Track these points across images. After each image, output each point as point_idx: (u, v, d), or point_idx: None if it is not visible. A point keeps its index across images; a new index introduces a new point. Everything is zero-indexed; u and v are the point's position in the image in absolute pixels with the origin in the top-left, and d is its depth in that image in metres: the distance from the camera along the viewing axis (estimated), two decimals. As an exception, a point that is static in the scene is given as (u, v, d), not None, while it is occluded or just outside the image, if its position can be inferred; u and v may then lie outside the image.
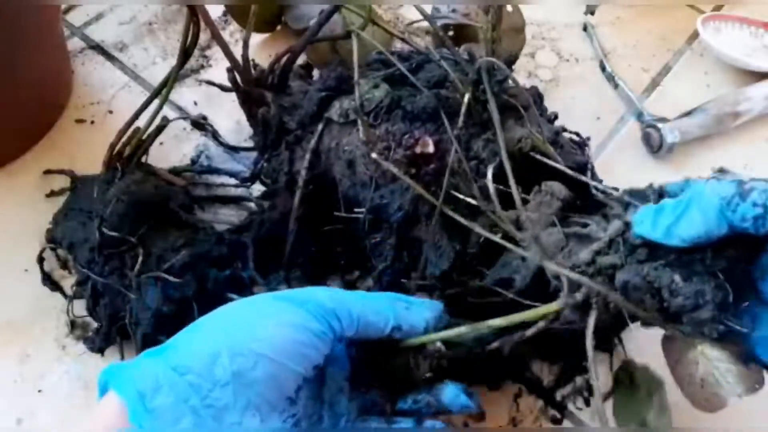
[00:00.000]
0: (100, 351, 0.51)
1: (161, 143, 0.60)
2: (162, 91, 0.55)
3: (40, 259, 0.55)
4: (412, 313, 0.39)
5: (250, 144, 0.61)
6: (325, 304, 0.37)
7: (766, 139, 0.67)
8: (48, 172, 0.60)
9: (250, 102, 0.53)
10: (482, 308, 0.43)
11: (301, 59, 0.54)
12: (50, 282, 0.54)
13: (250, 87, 0.52)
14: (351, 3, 0.54)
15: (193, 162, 0.62)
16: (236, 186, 0.60)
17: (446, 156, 0.43)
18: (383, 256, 0.47)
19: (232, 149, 0.63)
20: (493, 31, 0.43)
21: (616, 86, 0.70)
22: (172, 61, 0.54)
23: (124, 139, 0.54)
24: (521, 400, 0.51)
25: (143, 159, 0.56)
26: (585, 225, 0.38)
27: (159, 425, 0.31)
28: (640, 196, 0.37)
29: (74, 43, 0.72)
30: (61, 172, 0.59)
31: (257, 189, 0.59)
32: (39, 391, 0.50)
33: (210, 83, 0.61)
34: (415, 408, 0.40)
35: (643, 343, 0.54)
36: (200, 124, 0.64)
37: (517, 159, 0.44)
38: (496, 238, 0.40)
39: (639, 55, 0.74)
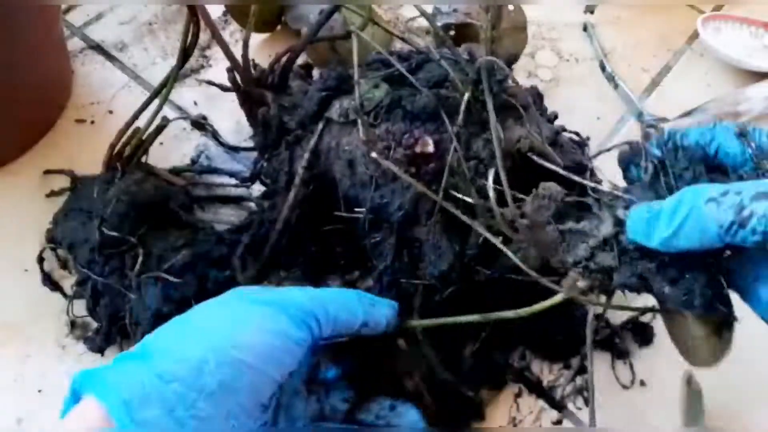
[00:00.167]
0: (100, 351, 0.51)
1: (161, 143, 0.60)
2: (162, 91, 0.55)
3: (40, 259, 0.55)
4: (376, 310, 0.40)
5: (250, 144, 0.61)
6: (304, 306, 0.37)
7: (766, 139, 0.67)
8: (48, 172, 0.60)
9: (250, 102, 0.53)
10: (483, 304, 0.43)
11: (301, 59, 0.54)
12: (50, 282, 0.54)
13: (250, 87, 0.52)
14: (351, 3, 0.54)
15: (193, 162, 0.62)
16: (236, 186, 0.60)
17: (446, 155, 0.43)
18: (383, 256, 0.47)
19: (232, 149, 0.63)
20: (492, 31, 0.43)
21: (616, 86, 0.70)
22: (172, 61, 0.54)
23: (124, 139, 0.54)
24: (521, 400, 0.51)
25: (143, 159, 0.56)
26: (579, 219, 0.38)
27: None
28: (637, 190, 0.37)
29: (74, 43, 0.72)
30: (61, 172, 0.59)
31: (257, 189, 0.59)
32: (39, 391, 0.50)
33: (210, 83, 0.61)
34: (374, 422, 0.41)
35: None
36: (200, 124, 0.64)
37: (516, 158, 0.44)
38: (497, 241, 0.40)
39: (639, 55, 0.74)
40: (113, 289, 0.49)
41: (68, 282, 0.55)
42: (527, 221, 0.39)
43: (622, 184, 0.40)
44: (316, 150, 0.48)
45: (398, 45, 0.64)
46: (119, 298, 0.49)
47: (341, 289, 0.42)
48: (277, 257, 0.49)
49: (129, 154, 0.55)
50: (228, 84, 0.53)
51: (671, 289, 0.34)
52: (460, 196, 0.43)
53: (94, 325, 0.52)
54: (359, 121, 0.45)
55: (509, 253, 0.39)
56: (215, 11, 0.73)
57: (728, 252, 0.33)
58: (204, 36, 0.58)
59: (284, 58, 0.52)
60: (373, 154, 0.44)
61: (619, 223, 0.36)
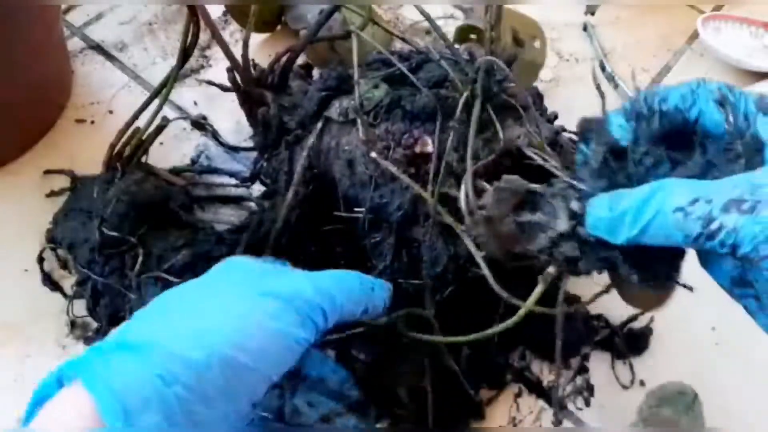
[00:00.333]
0: (100, 351, 0.51)
1: (161, 143, 0.60)
2: (162, 91, 0.55)
3: (40, 259, 0.55)
4: (375, 294, 0.39)
5: (250, 144, 0.61)
6: (312, 300, 0.35)
7: (766, 139, 0.67)
8: (48, 172, 0.60)
9: (250, 102, 0.53)
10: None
11: (301, 59, 0.54)
12: (50, 282, 0.54)
13: (250, 87, 0.52)
14: (351, 3, 0.54)
15: (193, 162, 0.62)
16: (236, 186, 0.60)
17: (450, 158, 0.43)
18: (383, 256, 0.47)
19: (232, 149, 0.63)
20: (492, 31, 0.43)
21: (616, 86, 0.70)
22: (172, 61, 0.54)
23: (124, 139, 0.54)
24: (521, 400, 0.51)
25: (143, 159, 0.56)
26: (535, 209, 0.37)
27: None
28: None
29: (74, 43, 0.72)
30: (61, 172, 0.59)
31: (257, 189, 0.59)
32: (39, 391, 0.50)
33: (210, 83, 0.61)
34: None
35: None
36: (200, 124, 0.64)
37: (515, 158, 0.44)
38: (471, 245, 0.40)
39: (639, 55, 0.74)
40: (113, 289, 0.49)
41: (68, 282, 0.55)
42: (485, 213, 0.37)
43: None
44: (316, 150, 0.48)
45: (398, 45, 0.64)
46: (119, 298, 0.49)
47: (344, 274, 0.39)
48: (277, 257, 0.49)
49: (129, 154, 0.55)
50: (228, 84, 0.53)
51: (639, 275, 0.33)
52: (453, 195, 0.42)
53: (94, 325, 0.52)
54: (359, 120, 0.45)
55: (471, 247, 0.39)
56: (215, 11, 0.73)
57: None
58: (204, 36, 0.58)
59: (284, 58, 0.52)
60: (373, 154, 0.44)
61: (574, 216, 0.34)
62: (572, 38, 0.75)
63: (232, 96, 0.55)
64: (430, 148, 0.43)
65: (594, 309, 0.54)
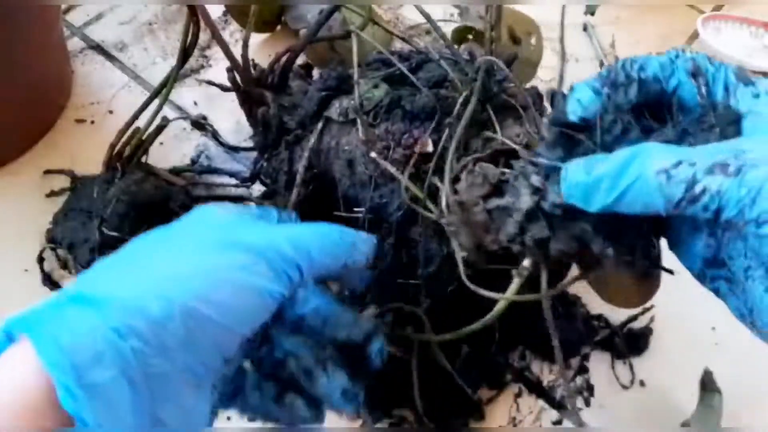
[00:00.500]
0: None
1: (161, 143, 0.60)
2: (162, 91, 0.55)
3: (40, 259, 0.55)
4: (357, 249, 0.37)
5: (250, 144, 0.61)
6: (286, 254, 0.32)
7: (766, 139, 0.67)
8: (48, 172, 0.60)
9: (250, 102, 0.53)
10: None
11: (301, 59, 0.54)
12: (50, 282, 0.54)
13: (250, 87, 0.52)
14: (351, 3, 0.55)
15: (193, 162, 0.62)
16: (236, 186, 0.60)
17: (446, 155, 0.43)
18: (383, 256, 0.47)
19: (232, 149, 0.63)
20: (492, 31, 0.43)
21: (616, 86, 0.70)
22: (172, 61, 0.55)
23: (124, 139, 0.54)
24: (521, 400, 0.51)
25: (143, 159, 0.56)
26: (502, 194, 0.36)
27: (96, 406, 0.25)
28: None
29: (74, 43, 0.72)
30: (61, 172, 0.59)
31: (257, 189, 0.59)
32: (39, 390, 0.50)
33: (210, 83, 0.61)
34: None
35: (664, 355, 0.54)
36: (200, 124, 0.64)
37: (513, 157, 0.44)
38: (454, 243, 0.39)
39: (639, 55, 0.74)
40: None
41: (68, 282, 0.55)
42: (457, 198, 0.37)
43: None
44: (316, 150, 0.48)
45: (398, 45, 0.64)
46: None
47: (324, 227, 0.37)
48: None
49: (129, 154, 0.55)
50: (228, 84, 0.53)
51: (612, 252, 0.32)
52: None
53: (94, 325, 0.52)
54: (359, 120, 0.45)
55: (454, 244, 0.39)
56: (215, 11, 0.73)
57: None
58: (204, 36, 0.58)
59: (284, 58, 0.52)
60: (372, 154, 0.44)
61: (536, 191, 0.33)
62: (572, 38, 0.75)
63: (232, 96, 0.55)
64: (429, 148, 0.43)
65: (594, 309, 0.54)
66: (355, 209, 0.47)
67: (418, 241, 0.45)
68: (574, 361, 0.53)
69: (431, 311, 0.44)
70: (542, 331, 0.50)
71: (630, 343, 0.53)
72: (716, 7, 0.78)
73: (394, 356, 0.43)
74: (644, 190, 0.28)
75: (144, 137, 0.54)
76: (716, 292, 0.32)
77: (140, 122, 0.55)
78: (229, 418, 0.45)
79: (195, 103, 0.67)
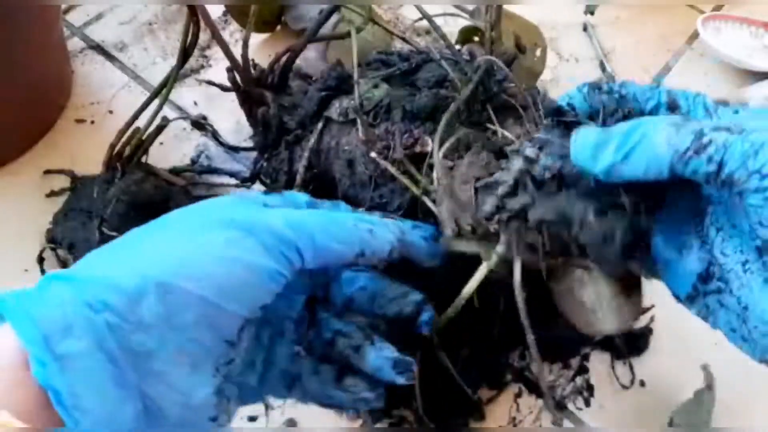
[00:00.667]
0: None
1: (161, 143, 0.60)
2: (162, 91, 0.55)
3: (40, 259, 0.55)
4: (376, 237, 0.34)
5: (250, 144, 0.61)
6: (282, 234, 0.31)
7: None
8: (48, 172, 0.60)
9: (250, 102, 0.53)
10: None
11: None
12: (50, 282, 0.54)
13: (250, 87, 0.52)
14: (351, 3, 0.54)
15: (193, 162, 0.62)
16: (236, 186, 0.60)
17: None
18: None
19: (232, 149, 0.63)
20: (491, 31, 0.43)
21: (616, 86, 0.70)
22: (172, 61, 0.54)
23: (124, 139, 0.54)
24: (521, 400, 0.51)
25: (143, 159, 0.56)
26: (493, 173, 0.36)
27: (69, 378, 0.25)
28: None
29: (74, 43, 0.72)
30: (61, 172, 0.59)
31: (257, 189, 0.59)
32: (39, 390, 0.50)
33: (210, 83, 0.61)
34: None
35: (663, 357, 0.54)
36: (200, 124, 0.64)
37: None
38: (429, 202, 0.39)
39: (639, 55, 0.74)
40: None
41: (68, 282, 0.55)
42: (448, 164, 0.36)
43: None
44: (316, 149, 0.48)
45: (398, 45, 0.64)
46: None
47: (335, 214, 0.35)
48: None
49: (129, 154, 0.55)
50: (228, 84, 0.53)
51: (594, 221, 0.31)
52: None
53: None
54: (359, 120, 0.45)
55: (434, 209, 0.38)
56: (215, 11, 0.73)
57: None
58: (204, 36, 0.58)
59: (284, 58, 0.52)
60: (372, 154, 0.44)
61: (529, 161, 0.33)
62: (572, 38, 0.75)
63: (232, 96, 0.55)
64: (429, 148, 0.43)
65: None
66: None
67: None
68: (574, 361, 0.53)
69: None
70: (542, 331, 0.51)
71: (630, 343, 0.53)
72: (716, 7, 0.78)
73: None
74: (652, 142, 0.29)
75: (144, 137, 0.54)
76: (705, 310, 0.32)
77: (140, 122, 0.55)
78: (253, 419, 0.45)
79: (195, 103, 0.67)
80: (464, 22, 0.63)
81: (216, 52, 0.71)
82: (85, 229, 0.51)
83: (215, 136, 0.63)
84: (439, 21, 0.51)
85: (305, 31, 0.51)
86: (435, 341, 0.43)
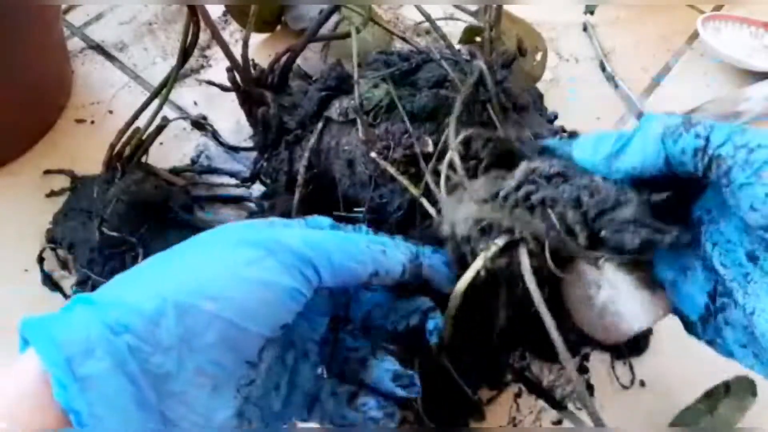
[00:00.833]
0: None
1: (161, 143, 0.60)
2: (162, 91, 0.55)
3: (40, 259, 0.55)
4: (388, 257, 0.35)
5: (250, 144, 0.61)
6: (300, 252, 0.31)
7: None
8: (48, 172, 0.60)
9: (250, 102, 0.53)
10: None
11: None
12: (50, 282, 0.54)
13: (250, 87, 0.52)
14: (351, 3, 0.54)
15: (193, 162, 0.62)
16: (236, 186, 0.60)
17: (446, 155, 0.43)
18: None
19: (232, 149, 0.63)
20: (491, 31, 0.43)
21: (616, 86, 0.70)
22: (172, 61, 0.54)
23: (124, 139, 0.54)
24: (521, 400, 0.51)
25: (143, 159, 0.56)
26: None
27: (90, 398, 0.25)
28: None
29: (74, 43, 0.72)
30: (61, 172, 0.59)
31: (257, 189, 0.59)
32: (39, 391, 0.50)
33: (210, 83, 0.61)
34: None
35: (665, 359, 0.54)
36: (200, 124, 0.64)
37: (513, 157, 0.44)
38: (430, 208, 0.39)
39: (639, 55, 0.74)
40: (113, 289, 0.49)
41: (68, 282, 0.55)
42: (458, 181, 0.36)
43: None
44: (316, 149, 0.48)
45: (398, 45, 0.64)
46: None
47: (348, 234, 0.35)
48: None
49: (129, 154, 0.55)
50: (228, 84, 0.53)
51: (603, 183, 0.30)
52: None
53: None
54: (359, 120, 0.45)
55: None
56: (215, 11, 0.73)
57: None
58: (204, 36, 0.58)
59: (284, 58, 0.52)
60: (372, 154, 0.44)
61: (532, 170, 0.33)
62: (572, 38, 0.75)
63: (232, 96, 0.55)
64: (430, 148, 0.43)
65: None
66: (355, 209, 0.47)
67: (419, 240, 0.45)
68: (574, 361, 0.53)
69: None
70: (543, 332, 0.51)
71: (630, 343, 0.53)
72: (716, 7, 0.78)
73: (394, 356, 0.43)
74: (646, 129, 0.30)
75: (144, 137, 0.54)
76: (714, 332, 0.32)
77: (140, 122, 0.55)
78: None
79: (195, 103, 0.67)
80: (464, 22, 0.63)
81: (216, 52, 0.71)
82: (85, 229, 0.51)
83: (215, 136, 0.63)
84: (439, 21, 0.51)
85: (305, 31, 0.51)
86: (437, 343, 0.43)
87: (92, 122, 0.65)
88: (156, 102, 0.54)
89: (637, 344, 0.54)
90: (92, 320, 0.27)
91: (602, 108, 0.69)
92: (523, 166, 0.34)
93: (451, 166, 0.38)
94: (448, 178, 0.38)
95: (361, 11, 0.52)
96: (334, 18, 0.59)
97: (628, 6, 0.78)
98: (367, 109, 0.46)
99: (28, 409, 0.26)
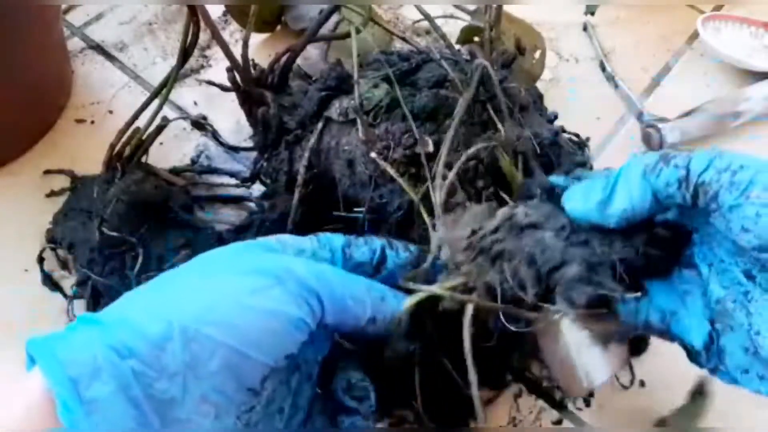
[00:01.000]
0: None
1: (161, 143, 0.59)
2: (162, 91, 0.55)
3: (40, 259, 0.55)
4: (386, 305, 0.34)
5: (250, 144, 0.61)
6: (307, 282, 0.31)
7: (767, 139, 0.67)
8: (48, 172, 0.60)
9: (250, 102, 0.53)
10: None
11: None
12: (50, 282, 0.54)
13: (250, 87, 0.52)
14: (351, 3, 0.54)
15: (193, 162, 0.62)
16: (236, 186, 0.60)
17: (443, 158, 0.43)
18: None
19: (232, 149, 0.63)
20: (491, 31, 0.43)
21: (616, 86, 0.70)
22: (172, 61, 0.54)
23: (124, 139, 0.54)
24: (521, 400, 0.51)
25: (143, 159, 0.56)
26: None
27: (95, 421, 0.26)
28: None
29: (74, 43, 0.72)
30: (61, 172, 0.59)
31: (257, 189, 0.59)
32: (39, 391, 0.50)
33: (210, 83, 0.61)
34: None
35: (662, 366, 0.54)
36: (200, 124, 0.64)
37: (516, 158, 0.44)
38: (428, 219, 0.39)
39: (639, 55, 0.74)
40: (113, 289, 0.49)
41: (68, 282, 0.55)
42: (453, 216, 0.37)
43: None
44: (316, 149, 0.48)
45: (398, 45, 0.64)
46: (119, 298, 0.49)
47: (351, 274, 0.35)
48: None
49: (129, 154, 0.55)
50: (228, 84, 0.53)
51: (553, 240, 0.31)
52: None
53: (94, 325, 0.52)
54: (359, 120, 0.45)
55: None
56: (215, 11, 0.73)
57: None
58: (204, 36, 0.58)
59: (284, 58, 0.52)
60: (372, 154, 0.44)
61: (513, 212, 0.34)
62: (572, 38, 0.75)
63: (232, 96, 0.55)
64: (430, 148, 0.43)
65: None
66: (355, 209, 0.47)
67: (417, 242, 0.45)
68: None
69: (432, 311, 0.44)
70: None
71: (630, 343, 0.53)
72: (716, 7, 0.78)
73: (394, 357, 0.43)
74: (628, 171, 0.30)
75: (144, 137, 0.54)
76: (717, 359, 0.31)
77: (140, 122, 0.55)
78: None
79: (195, 103, 0.67)
80: (464, 21, 0.63)
81: (216, 52, 0.71)
82: (85, 229, 0.51)
83: (215, 136, 0.63)
84: (439, 21, 0.51)
85: (305, 31, 0.51)
86: (435, 341, 0.43)
87: (92, 122, 0.65)
88: (156, 102, 0.54)
89: (637, 344, 0.54)
90: (98, 342, 0.27)
91: (602, 108, 0.69)
92: (501, 212, 0.35)
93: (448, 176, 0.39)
94: (453, 191, 0.38)
95: (361, 11, 0.52)
96: (334, 18, 0.59)
97: (628, 6, 0.78)
98: (367, 109, 0.46)
99: (32, 426, 0.26)
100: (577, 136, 0.57)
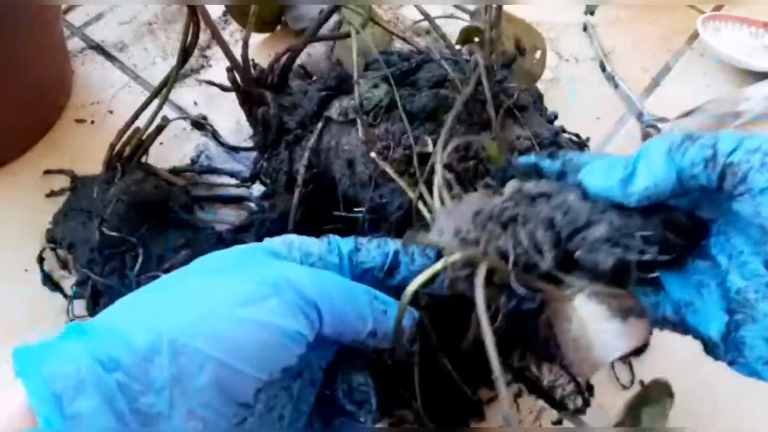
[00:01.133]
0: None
1: (161, 143, 0.60)
2: (162, 91, 0.55)
3: (40, 259, 0.55)
4: (389, 318, 0.33)
5: (250, 144, 0.61)
6: (305, 293, 0.30)
7: (766, 139, 0.67)
8: (48, 172, 0.60)
9: (250, 102, 0.53)
10: None
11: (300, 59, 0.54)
12: (50, 282, 0.54)
13: (250, 87, 0.52)
14: (351, 3, 0.55)
15: (193, 162, 0.62)
16: (236, 186, 0.60)
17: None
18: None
19: (232, 149, 0.63)
20: (491, 31, 0.43)
21: (616, 86, 0.70)
22: (172, 61, 0.54)
23: (124, 139, 0.54)
24: (521, 400, 0.51)
25: (143, 159, 0.56)
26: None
27: None
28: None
29: (74, 43, 0.72)
30: (61, 172, 0.59)
31: (257, 189, 0.59)
32: (39, 391, 0.50)
33: (210, 83, 0.61)
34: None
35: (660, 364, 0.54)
36: (200, 124, 0.64)
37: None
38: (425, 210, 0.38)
39: (639, 55, 0.74)
40: (113, 289, 0.49)
41: (68, 282, 0.55)
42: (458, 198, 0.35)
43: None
44: (316, 149, 0.48)
45: (398, 45, 0.64)
46: (119, 298, 0.49)
47: (353, 284, 0.33)
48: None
49: (129, 154, 0.55)
50: (228, 84, 0.53)
51: (577, 202, 0.29)
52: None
53: (94, 325, 0.52)
54: (358, 120, 0.45)
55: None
56: (215, 11, 0.73)
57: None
58: (204, 36, 0.58)
59: (284, 58, 0.52)
60: (372, 154, 0.44)
61: (518, 191, 0.32)
62: (572, 38, 0.75)
63: (232, 96, 0.55)
64: (430, 148, 0.43)
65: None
66: (355, 209, 0.47)
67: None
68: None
69: (431, 311, 0.44)
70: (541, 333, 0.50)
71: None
72: (716, 7, 0.78)
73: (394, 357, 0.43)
74: (652, 149, 0.29)
75: (144, 137, 0.54)
76: (736, 350, 0.30)
77: (140, 122, 0.55)
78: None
79: (195, 103, 0.67)
80: (464, 21, 0.63)
81: (216, 52, 0.71)
82: (85, 229, 0.51)
83: (215, 136, 0.63)
84: (439, 21, 0.51)
85: (305, 31, 0.51)
86: (434, 341, 0.44)
87: (92, 122, 0.65)
88: (156, 102, 0.54)
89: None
90: (84, 354, 0.26)
91: (602, 108, 0.69)
92: (509, 185, 0.33)
93: (446, 177, 0.38)
94: (450, 186, 0.37)
95: (361, 11, 0.52)
96: (334, 18, 0.59)
97: (628, 6, 0.78)
98: (367, 109, 0.46)
99: None
100: (577, 136, 0.57)
